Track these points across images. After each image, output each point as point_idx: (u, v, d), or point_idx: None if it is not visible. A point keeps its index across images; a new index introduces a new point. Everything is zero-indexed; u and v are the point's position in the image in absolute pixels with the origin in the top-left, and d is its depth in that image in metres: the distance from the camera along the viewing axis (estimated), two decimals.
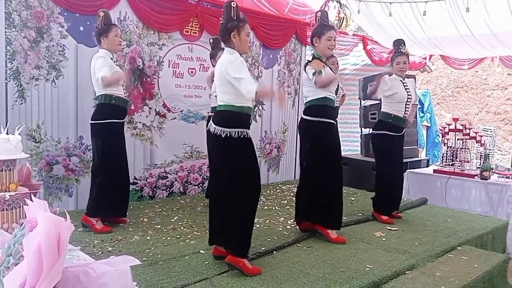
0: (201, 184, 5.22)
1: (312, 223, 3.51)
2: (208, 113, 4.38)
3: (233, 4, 2.72)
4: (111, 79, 3.41)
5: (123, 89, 3.66)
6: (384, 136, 4.05)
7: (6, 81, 3.73)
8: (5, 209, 1.89)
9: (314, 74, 3.25)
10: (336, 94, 3.52)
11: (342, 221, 3.56)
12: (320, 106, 3.35)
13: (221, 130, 2.69)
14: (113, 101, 3.51)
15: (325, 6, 5.88)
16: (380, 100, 4.25)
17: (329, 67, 3.46)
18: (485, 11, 5.40)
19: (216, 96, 2.90)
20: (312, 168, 3.44)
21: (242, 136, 2.70)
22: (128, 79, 3.84)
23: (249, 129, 2.77)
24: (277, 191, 5.46)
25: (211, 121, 2.80)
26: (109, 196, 3.56)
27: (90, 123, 3.56)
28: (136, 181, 4.63)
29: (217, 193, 2.91)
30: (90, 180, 3.69)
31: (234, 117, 2.71)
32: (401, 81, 4.05)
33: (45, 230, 1.17)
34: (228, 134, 2.68)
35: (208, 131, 2.84)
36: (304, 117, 3.46)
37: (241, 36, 2.71)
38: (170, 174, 4.94)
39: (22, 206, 1.87)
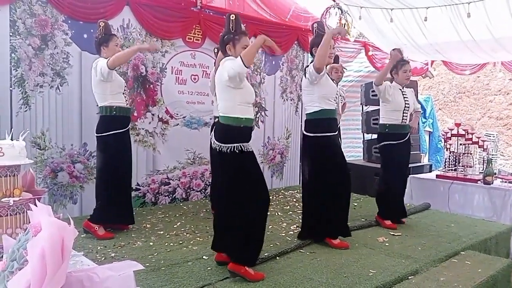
0: (203, 190, 5.22)
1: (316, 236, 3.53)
2: (210, 119, 4.39)
3: (232, 17, 2.74)
4: (118, 55, 3.38)
5: (125, 97, 3.66)
6: (387, 146, 4.06)
7: (10, 88, 3.76)
8: (9, 214, 1.90)
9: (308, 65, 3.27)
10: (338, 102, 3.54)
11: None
12: (318, 120, 3.36)
13: (220, 146, 2.69)
14: (114, 112, 3.53)
15: (326, 12, 5.91)
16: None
17: (329, 76, 3.48)
18: (486, 17, 5.41)
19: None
20: (313, 182, 3.45)
21: (241, 150, 2.67)
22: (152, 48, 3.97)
23: (248, 142, 2.72)
24: (280, 197, 5.45)
25: (212, 134, 2.81)
26: (116, 206, 3.59)
27: (95, 136, 3.59)
28: (138, 187, 4.64)
29: (219, 201, 2.91)
30: (95, 190, 3.68)
31: (232, 132, 2.68)
32: (400, 89, 4.06)
33: (49, 235, 1.18)
34: (228, 150, 2.66)
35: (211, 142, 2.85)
36: (304, 132, 3.48)
37: (236, 49, 2.73)
38: (173, 180, 4.95)
39: (26, 212, 1.88)
